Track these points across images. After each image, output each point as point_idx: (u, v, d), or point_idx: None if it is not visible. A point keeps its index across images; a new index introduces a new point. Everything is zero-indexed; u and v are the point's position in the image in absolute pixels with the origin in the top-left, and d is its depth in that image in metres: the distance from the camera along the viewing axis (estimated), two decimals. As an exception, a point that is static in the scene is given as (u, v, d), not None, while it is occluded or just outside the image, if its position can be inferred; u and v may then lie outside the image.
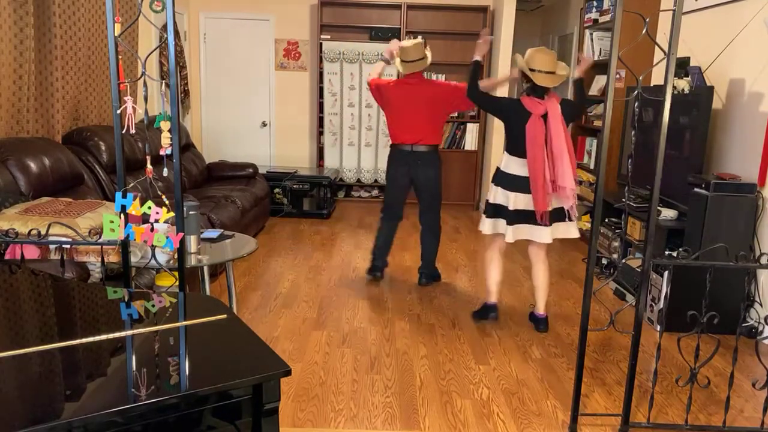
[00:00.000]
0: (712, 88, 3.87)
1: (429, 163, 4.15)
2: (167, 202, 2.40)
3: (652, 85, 4.92)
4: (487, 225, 3.55)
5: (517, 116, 3.36)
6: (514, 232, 3.43)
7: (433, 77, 7.13)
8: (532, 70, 3.30)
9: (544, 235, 3.41)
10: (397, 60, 4.11)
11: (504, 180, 3.47)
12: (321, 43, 6.91)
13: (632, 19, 4.85)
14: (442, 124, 4.21)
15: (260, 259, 4.86)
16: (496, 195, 3.50)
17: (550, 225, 3.42)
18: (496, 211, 3.51)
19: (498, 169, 3.53)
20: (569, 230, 3.48)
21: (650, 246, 2.37)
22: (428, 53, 4.10)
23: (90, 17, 4.49)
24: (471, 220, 6.58)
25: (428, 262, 4.39)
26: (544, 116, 3.30)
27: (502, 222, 3.49)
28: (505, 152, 3.49)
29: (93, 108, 4.64)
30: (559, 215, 3.45)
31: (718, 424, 2.63)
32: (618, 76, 5.29)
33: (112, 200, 4.00)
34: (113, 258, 2.75)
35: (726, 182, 3.59)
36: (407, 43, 4.05)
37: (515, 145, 3.42)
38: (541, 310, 3.62)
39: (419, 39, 4.11)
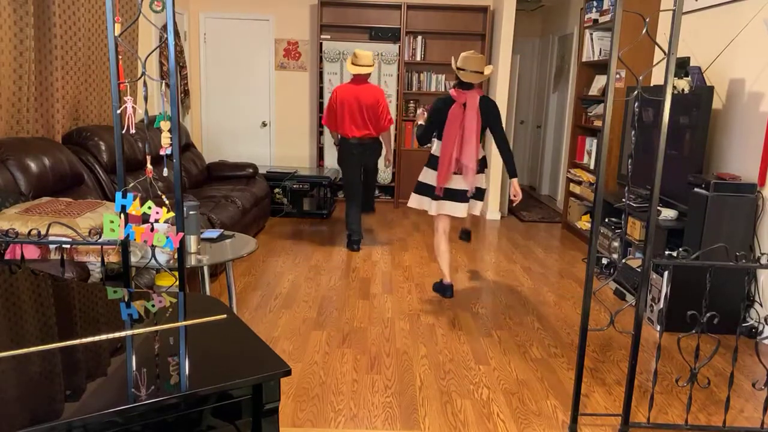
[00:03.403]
0: (712, 88, 3.87)
1: (374, 151, 5.11)
2: (167, 202, 2.40)
3: (652, 85, 4.92)
4: (413, 200, 4.13)
5: (447, 107, 3.92)
6: (437, 206, 4.01)
7: (433, 77, 7.15)
8: (460, 69, 3.85)
9: (461, 210, 4.00)
10: (349, 62, 4.95)
11: (434, 162, 4.00)
12: (321, 43, 6.91)
13: (632, 19, 4.85)
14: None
15: (260, 259, 4.86)
16: (426, 175, 4.05)
17: (466, 202, 3.99)
18: (423, 189, 4.06)
19: (430, 153, 4.07)
20: (475, 207, 4.05)
21: (650, 246, 2.37)
22: (373, 67, 4.98)
23: (90, 17, 4.49)
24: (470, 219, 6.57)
25: (358, 226, 5.26)
26: (465, 105, 3.87)
27: (426, 199, 4.05)
28: (436, 139, 4.05)
29: (93, 108, 4.64)
30: (475, 194, 4.02)
31: (718, 424, 2.63)
32: (618, 76, 5.29)
33: (112, 200, 4.00)
34: (113, 258, 2.75)
35: (726, 182, 3.59)
36: (362, 52, 4.92)
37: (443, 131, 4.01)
38: (447, 278, 4.15)
39: (370, 53, 4.99)
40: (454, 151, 3.86)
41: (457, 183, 3.94)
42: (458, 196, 3.96)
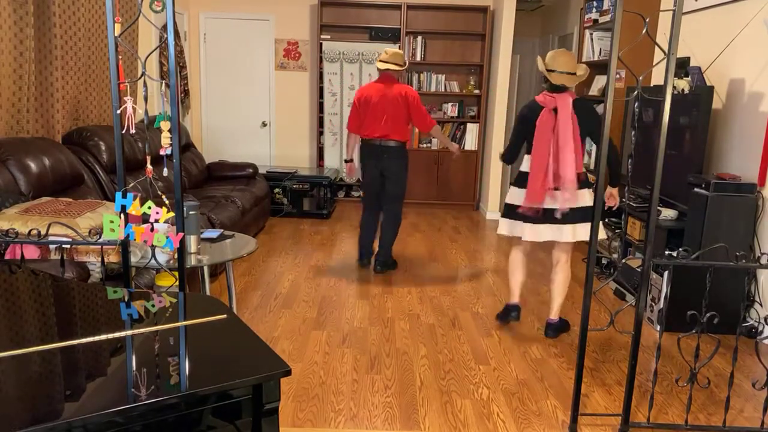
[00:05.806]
0: (712, 88, 3.87)
1: (395, 156, 4.53)
2: (167, 202, 2.40)
3: (652, 85, 4.92)
4: (503, 226, 3.55)
5: (533, 114, 3.39)
6: (531, 232, 3.40)
7: (433, 77, 7.14)
8: (550, 70, 3.34)
9: (565, 234, 3.36)
10: (378, 61, 4.59)
11: (521, 179, 3.47)
12: (321, 43, 6.91)
13: (632, 19, 4.85)
14: (407, 124, 4.55)
15: (260, 259, 4.86)
16: (512, 195, 3.50)
17: (570, 224, 3.35)
18: (512, 212, 3.49)
19: (519, 171, 3.52)
20: (573, 231, 3.39)
21: (650, 246, 2.37)
22: (403, 66, 4.56)
23: (90, 17, 4.49)
24: (471, 220, 6.57)
25: (385, 250, 4.67)
26: (555, 110, 3.32)
27: (519, 223, 3.46)
28: (527, 154, 3.48)
29: (93, 108, 4.64)
30: (579, 215, 3.37)
31: (718, 424, 2.63)
32: (618, 76, 5.29)
33: (112, 200, 4.00)
34: (113, 258, 2.75)
35: (726, 182, 3.59)
36: (390, 49, 4.62)
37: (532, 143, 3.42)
38: (552, 315, 3.53)
39: (401, 51, 4.72)
40: (550, 163, 3.29)
41: (550, 202, 3.37)
42: (550, 217, 3.37)
